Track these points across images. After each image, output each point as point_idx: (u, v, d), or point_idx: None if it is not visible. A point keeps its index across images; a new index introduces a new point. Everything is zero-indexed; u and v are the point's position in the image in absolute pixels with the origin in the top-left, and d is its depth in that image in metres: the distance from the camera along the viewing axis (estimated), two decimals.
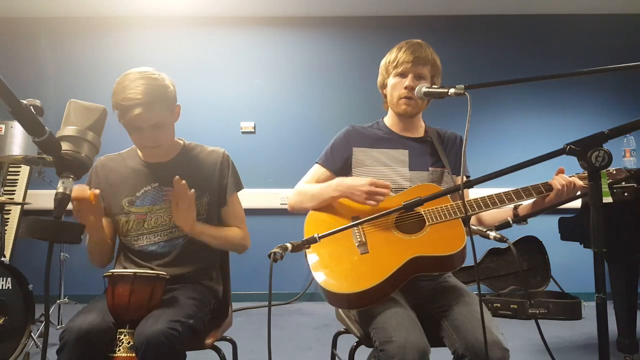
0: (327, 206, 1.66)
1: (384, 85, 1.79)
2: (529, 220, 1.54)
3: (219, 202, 1.78)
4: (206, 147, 1.83)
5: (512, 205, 1.59)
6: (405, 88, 1.68)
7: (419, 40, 1.73)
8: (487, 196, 1.55)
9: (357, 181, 1.59)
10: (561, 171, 1.57)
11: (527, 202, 1.59)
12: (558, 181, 1.52)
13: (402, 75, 1.69)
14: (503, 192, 1.53)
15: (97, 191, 1.50)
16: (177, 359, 1.43)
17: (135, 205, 1.72)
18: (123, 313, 1.45)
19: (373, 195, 1.55)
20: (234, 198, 1.81)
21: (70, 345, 1.36)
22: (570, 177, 1.53)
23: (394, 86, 1.72)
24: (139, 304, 1.46)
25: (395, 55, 1.71)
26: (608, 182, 1.52)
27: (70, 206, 1.21)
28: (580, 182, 1.52)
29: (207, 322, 1.67)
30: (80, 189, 1.46)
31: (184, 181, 1.53)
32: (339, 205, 1.65)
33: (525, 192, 1.54)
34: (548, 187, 1.53)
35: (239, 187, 1.82)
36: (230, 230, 1.78)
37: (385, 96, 1.79)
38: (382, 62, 1.78)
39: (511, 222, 1.36)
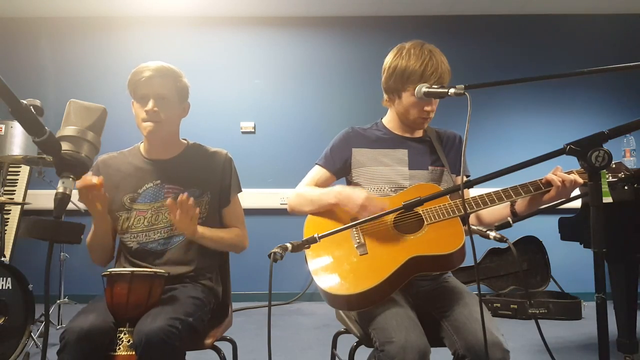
0: (327, 210, 1.66)
1: (393, 92, 1.70)
2: (529, 219, 1.54)
3: (220, 202, 1.80)
4: (209, 148, 1.85)
5: (508, 203, 1.58)
6: (428, 111, 1.66)
7: (435, 53, 1.62)
8: (486, 194, 1.53)
9: (355, 193, 1.57)
10: (558, 170, 1.55)
11: (523, 199, 1.57)
12: (558, 177, 1.49)
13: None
14: (501, 190, 1.52)
15: (102, 177, 1.56)
16: (176, 357, 1.43)
17: (136, 202, 1.73)
18: (122, 312, 1.45)
19: (365, 207, 1.52)
20: (236, 199, 1.84)
21: (72, 346, 1.36)
22: (569, 172, 1.52)
23: (414, 105, 1.65)
24: (138, 302, 1.46)
25: (417, 70, 1.59)
26: (608, 177, 1.51)
27: (70, 206, 1.21)
28: (580, 180, 1.49)
29: (207, 322, 1.67)
30: (85, 178, 1.50)
31: (192, 198, 1.54)
32: (339, 208, 1.65)
33: (524, 188, 1.52)
34: (547, 183, 1.52)
35: (239, 188, 1.86)
36: (229, 232, 1.80)
37: (389, 98, 1.74)
38: (397, 65, 1.64)
39: (511, 221, 1.36)
